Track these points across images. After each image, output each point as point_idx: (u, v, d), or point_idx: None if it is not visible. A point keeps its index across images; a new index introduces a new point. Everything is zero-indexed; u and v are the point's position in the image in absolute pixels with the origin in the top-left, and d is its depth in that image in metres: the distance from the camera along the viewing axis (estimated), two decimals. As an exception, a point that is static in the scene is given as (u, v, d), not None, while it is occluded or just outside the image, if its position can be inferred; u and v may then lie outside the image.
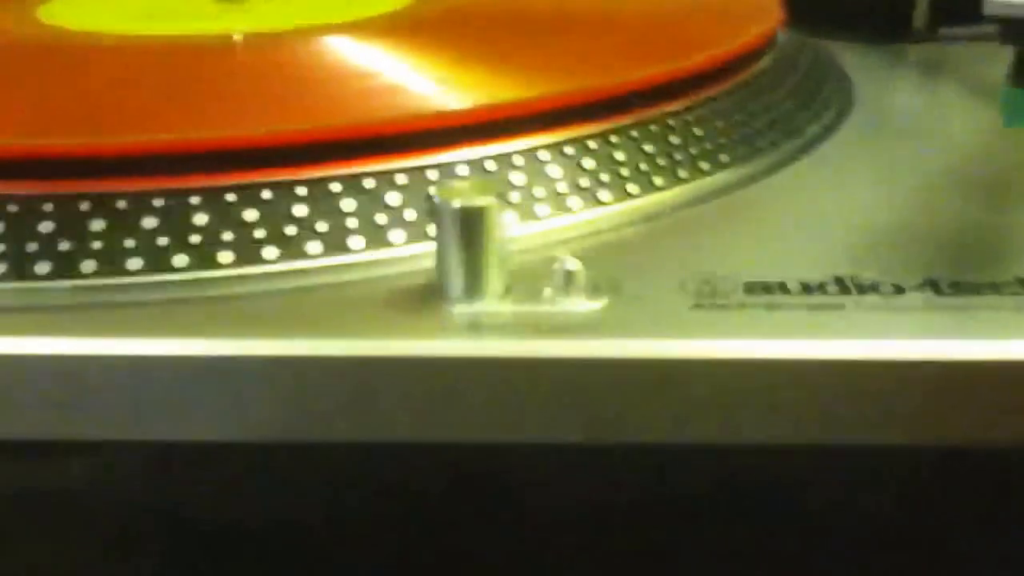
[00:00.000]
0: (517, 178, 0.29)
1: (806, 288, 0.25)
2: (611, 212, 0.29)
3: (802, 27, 0.44)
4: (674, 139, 0.32)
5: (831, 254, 0.27)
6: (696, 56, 0.35)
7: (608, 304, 0.25)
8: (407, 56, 0.35)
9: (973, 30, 0.46)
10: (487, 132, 0.29)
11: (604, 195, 0.30)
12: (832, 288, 0.25)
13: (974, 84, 0.41)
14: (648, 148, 0.31)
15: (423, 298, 0.25)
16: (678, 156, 0.32)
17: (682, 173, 0.31)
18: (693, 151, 0.32)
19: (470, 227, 0.24)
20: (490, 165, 0.29)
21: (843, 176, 0.33)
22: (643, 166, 0.31)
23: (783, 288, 0.25)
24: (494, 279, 0.25)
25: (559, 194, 0.29)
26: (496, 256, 0.24)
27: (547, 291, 0.25)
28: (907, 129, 0.38)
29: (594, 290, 0.25)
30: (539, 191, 0.29)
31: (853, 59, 0.43)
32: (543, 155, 0.30)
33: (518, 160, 0.29)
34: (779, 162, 0.34)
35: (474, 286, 0.25)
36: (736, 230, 0.29)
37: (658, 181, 0.31)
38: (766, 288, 0.25)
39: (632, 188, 0.30)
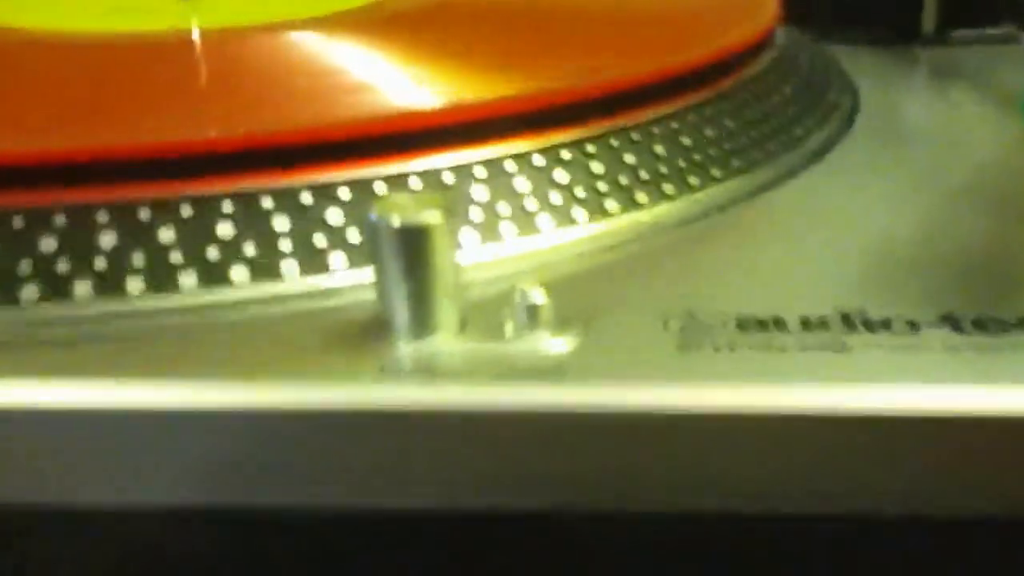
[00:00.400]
0: (479, 192, 0.25)
1: (806, 325, 0.21)
2: (586, 233, 0.26)
3: (802, 30, 0.40)
4: (659, 149, 0.28)
5: (836, 284, 0.23)
6: (683, 54, 0.31)
7: (579, 343, 0.21)
8: (355, 54, 0.31)
9: (986, 33, 0.43)
10: (444, 138, 0.26)
11: (578, 213, 0.26)
12: (836, 325, 0.21)
13: (990, 89, 0.38)
14: (629, 159, 0.28)
15: (365, 335, 0.22)
16: (663, 169, 0.28)
17: (668, 188, 0.28)
18: (680, 163, 0.28)
19: (413, 249, 0.20)
20: (447, 177, 0.25)
21: (849, 192, 0.29)
22: (623, 180, 0.27)
23: (780, 325, 0.21)
24: (446, 312, 0.21)
25: (526, 212, 0.26)
26: (447, 285, 0.21)
27: (509, 327, 0.21)
28: (919, 138, 0.34)
29: (563, 326, 0.21)
30: (503, 208, 0.25)
31: (858, 63, 0.40)
32: (509, 166, 0.26)
33: (480, 172, 0.26)
34: (777, 176, 0.30)
35: (422, 321, 0.21)
36: (728, 255, 0.25)
37: (640, 198, 0.27)
38: (761, 325, 0.22)
39: (611, 205, 0.27)
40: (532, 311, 0.21)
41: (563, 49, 0.33)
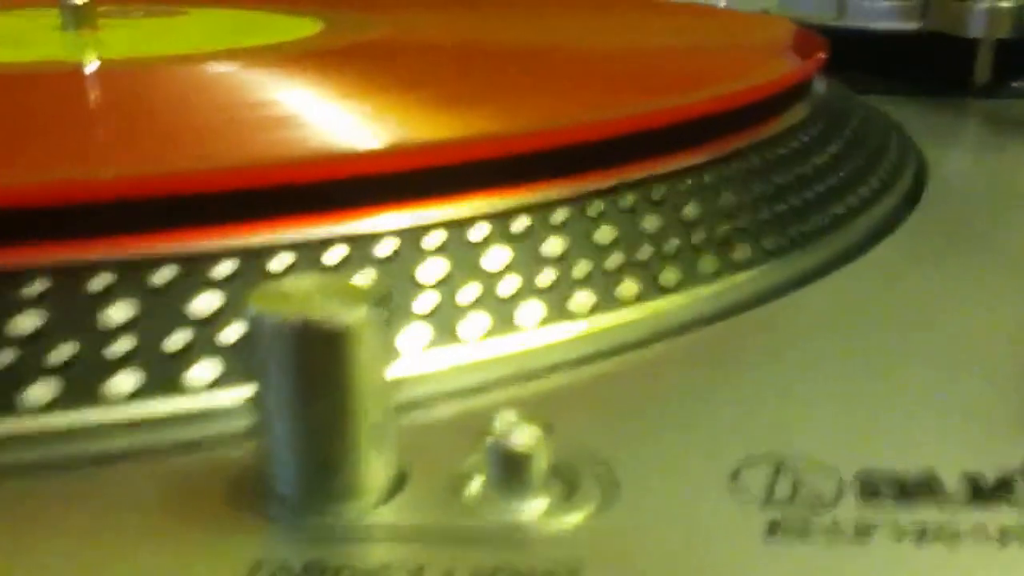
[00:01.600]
0: (431, 269, 0.17)
1: (978, 489, 0.13)
2: (587, 329, 0.17)
3: (846, 83, 0.33)
4: (689, 211, 0.20)
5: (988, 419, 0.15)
6: (695, 94, 0.23)
7: (595, 515, 0.12)
8: (261, 87, 0.23)
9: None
10: (375, 192, 0.17)
11: (579, 298, 0.18)
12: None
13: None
14: (650, 223, 0.19)
15: (234, 502, 0.13)
16: (696, 238, 0.20)
17: (704, 264, 0.19)
18: (718, 232, 0.20)
19: (316, 364, 0.12)
20: (382, 249, 0.17)
21: (939, 284, 0.21)
22: (644, 252, 0.19)
23: (937, 488, 0.13)
24: (367, 466, 0.12)
25: (501, 298, 0.17)
26: (370, 421, 0.12)
27: (474, 486, 0.13)
28: (1006, 209, 0.26)
29: (567, 487, 0.13)
30: (468, 292, 0.17)
31: (912, 119, 0.32)
32: (477, 231, 0.18)
33: (434, 238, 0.17)
34: (831, 258, 0.22)
35: (326, 481, 0.12)
36: (807, 364, 0.17)
37: (668, 277, 0.19)
38: (904, 487, 0.13)
39: (624, 290, 0.18)
40: (514, 462, 0.12)
41: (544, 87, 0.25)
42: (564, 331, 0.17)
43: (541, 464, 0.12)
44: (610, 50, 0.29)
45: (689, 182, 0.21)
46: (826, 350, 0.17)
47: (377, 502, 0.12)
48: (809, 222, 0.22)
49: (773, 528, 0.12)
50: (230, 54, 0.28)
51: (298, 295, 0.12)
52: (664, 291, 0.19)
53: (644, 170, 0.20)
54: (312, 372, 0.12)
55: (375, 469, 0.12)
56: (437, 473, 0.13)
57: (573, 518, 0.12)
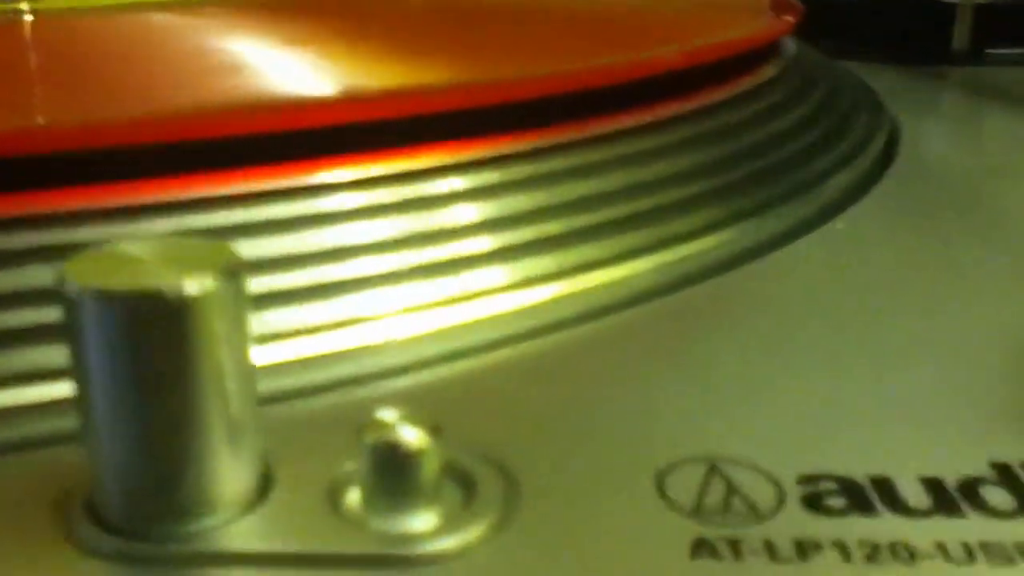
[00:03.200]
0: (318, 235, 0.15)
1: (941, 494, 0.11)
2: (511, 306, 0.15)
3: (822, 49, 0.31)
4: (618, 177, 0.18)
5: (952, 407, 0.13)
6: (658, 50, 0.21)
7: (493, 530, 0.11)
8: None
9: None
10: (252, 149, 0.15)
11: (496, 273, 0.16)
12: (1000, 491, 0.11)
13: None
14: (581, 189, 0.17)
15: (52, 516, 0.11)
16: (638, 204, 0.18)
17: (644, 235, 0.17)
18: (652, 202, 0.18)
19: (155, 347, 0.10)
20: (260, 214, 0.15)
21: (889, 262, 0.19)
22: (575, 220, 0.17)
23: (887, 492, 0.11)
24: (222, 473, 0.10)
25: (397, 271, 0.15)
26: (227, 416, 0.10)
27: (352, 496, 0.11)
28: (979, 179, 0.24)
29: (466, 499, 0.11)
30: (363, 263, 0.15)
31: (888, 85, 0.30)
32: (367, 197, 0.16)
33: (328, 202, 0.15)
34: (793, 225, 0.20)
35: (169, 492, 0.10)
36: (752, 346, 0.15)
37: (600, 250, 0.17)
38: (852, 492, 0.11)
39: (553, 261, 0.16)
40: (401, 466, 0.10)
41: (506, 42, 0.23)
42: (474, 309, 0.15)
43: (429, 470, 0.11)
44: (577, 8, 0.27)
45: (635, 145, 0.19)
46: (778, 333, 0.15)
47: (233, 519, 0.11)
48: (774, 187, 0.21)
49: (699, 546, 0.10)
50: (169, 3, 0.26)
51: (129, 262, 0.10)
52: (606, 263, 0.17)
53: (589, 128, 0.18)
54: (146, 357, 0.10)
55: (231, 479, 0.10)
56: (310, 480, 0.11)
57: (468, 534, 0.10)
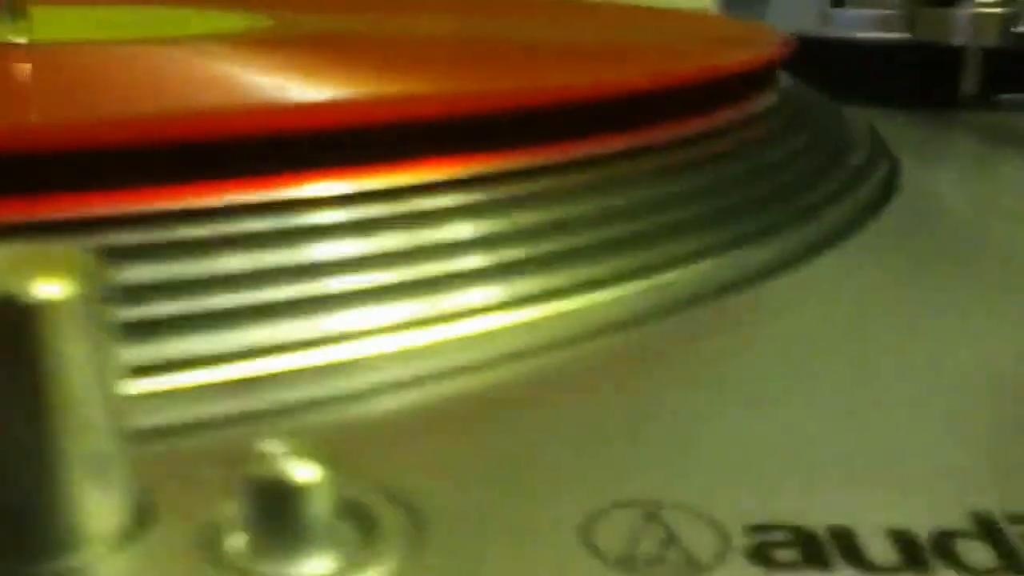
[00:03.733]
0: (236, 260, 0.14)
1: (910, 550, 0.10)
2: (443, 338, 0.14)
3: (828, 95, 0.30)
4: (592, 204, 0.17)
5: (928, 451, 0.12)
6: (642, 71, 0.20)
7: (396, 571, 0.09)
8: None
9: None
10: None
11: (434, 304, 0.14)
12: (980, 546, 0.10)
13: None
14: (549, 214, 0.16)
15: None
16: (609, 231, 0.17)
17: (610, 265, 0.16)
18: (632, 226, 0.17)
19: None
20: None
21: (868, 305, 0.17)
22: (534, 246, 0.16)
23: (850, 547, 0.10)
24: (82, 500, 0.09)
25: (339, 292, 0.14)
26: (85, 435, 0.09)
27: (237, 538, 0.10)
28: (977, 222, 0.23)
29: (363, 535, 0.10)
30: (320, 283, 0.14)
31: (892, 128, 0.29)
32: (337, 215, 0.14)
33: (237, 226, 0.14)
34: (777, 258, 0.19)
35: (24, 519, 0.09)
36: (710, 383, 0.14)
37: (563, 277, 0.15)
38: (808, 545, 0.10)
39: (495, 292, 0.15)
40: (284, 503, 0.09)
41: (500, 69, 0.22)
42: (407, 339, 0.14)
43: (319, 508, 0.09)
44: (569, 43, 0.27)
45: (613, 170, 0.18)
46: (738, 373, 0.14)
47: (98, 560, 0.09)
48: (752, 221, 0.19)
49: (621, 597, 0.09)
50: (166, 39, 0.26)
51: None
52: (576, 290, 0.16)
53: (566, 152, 0.17)
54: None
55: (94, 513, 0.09)
56: (192, 518, 0.10)
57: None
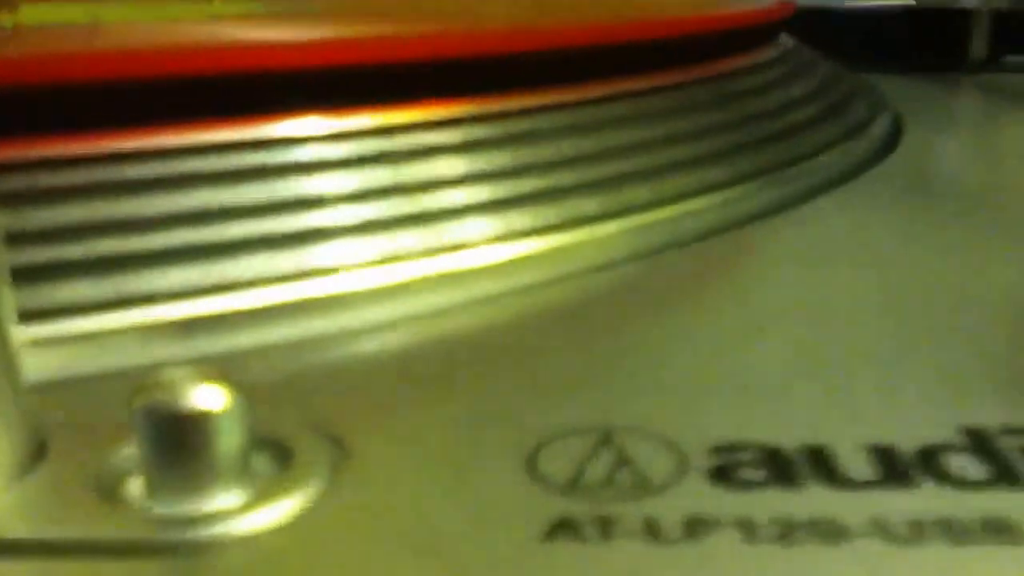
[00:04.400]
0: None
1: (898, 463, 0.09)
2: (423, 275, 0.13)
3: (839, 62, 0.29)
4: (601, 139, 0.16)
5: (907, 371, 0.11)
6: (650, 20, 0.19)
7: (303, 511, 0.08)
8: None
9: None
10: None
11: (416, 239, 0.13)
12: (965, 456, 0.09)
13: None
14: (546, 151, 0.15)
15: None
16: (602, 169, 0.16)
17: (605, 201, 0.15)
18: (627, 163, 0.16)
19: None
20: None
21: (885, 232, 0.16)
22: (528, 181, 0.15)
23: (825, 465, 0.09)
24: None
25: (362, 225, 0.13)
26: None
27: (135, 478, 0.09)
28: (974, 173, 0.22)
29: (277, 473, 0.09)
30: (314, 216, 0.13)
31: (898, 89, 0.28)
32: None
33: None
34: (773, 200, 0.18)
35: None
36: (689, 315, 0.13)
37: (554, 213, 0.14)
38: (778, 462, 0.09)
39: (483, 229, 0.14)
40: (181, 434, 0.08)
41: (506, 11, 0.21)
42: (435, 266, 0.13)
43: (228, 442, 0.08)
44: None
45: (629, 106, 0.17)
46: (732, 304, 0.13)
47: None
48: (751, 162, 0.18)
49: (560, 526, 0.08)
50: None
51: None
52: (553, 229, 0.15)
53: (575, 92, 0.16)
54: None
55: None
56: (88, 454, 0.09)
57: (274, 515, 0.08)
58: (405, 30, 0.17)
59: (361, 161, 0.13)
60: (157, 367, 0.09)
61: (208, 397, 0.08)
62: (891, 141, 0.23)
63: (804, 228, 0.16)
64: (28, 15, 0.28)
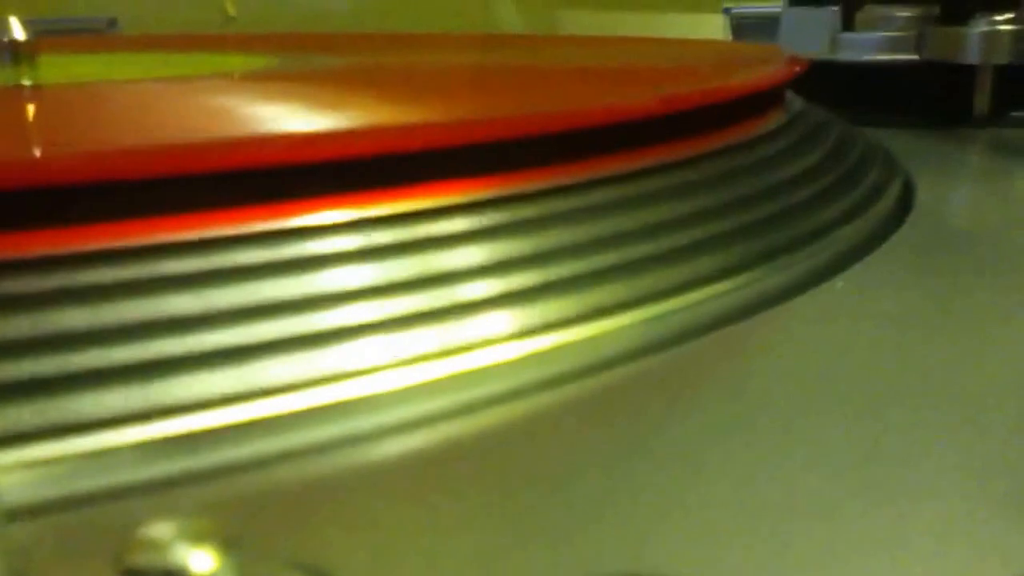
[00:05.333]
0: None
1: None
2: (401, 382, 0.13)
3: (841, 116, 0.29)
4: (598, 228, 0.15)
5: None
6: (649, 92, 0.19)
7: None
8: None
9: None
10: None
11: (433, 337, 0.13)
12: None
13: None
14: (535, 242, 0.15)
15: None
16: (600, 259, 0.15)
17: (601, 294, 0.14)
18: (627, 251, 0.15)
19: None
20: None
21: (885, 331, 0.16)
22: (520, 276, 0.14)
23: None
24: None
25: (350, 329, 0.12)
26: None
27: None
28: (997, 241, 0.21)
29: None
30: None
31: (904, 145, 0.28)
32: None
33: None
34: (791, 282, 0.17)
35: None
36: (712, 435, 0.12)
37: (550, 311, 0.14)
38: None
39: (502, 317, 0.13)
40: None
41: (516, 91, 0.21)
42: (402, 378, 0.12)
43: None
44: (575, 70, 0.25)
45: (623, 190, 0.16)
46: (749, 414, 0.12)
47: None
48: (764, 241, 0.18)
49: None
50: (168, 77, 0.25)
51: None
52: (574, 321, 0.14)
53: (564, 175, 0.16)
54: None
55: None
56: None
57: None
58: (409, 113, 0.17)
59: (375, 253, 0.13)
60: (151, 492, 0.08)
61: (196, 560, 0.08)
62: (904, 204, 0.23)
63: (829, 313, 0.16)
64: (46, 71, 0.27)
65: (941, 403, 0.12)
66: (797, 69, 0.24)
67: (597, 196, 0.16)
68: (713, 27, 0.59)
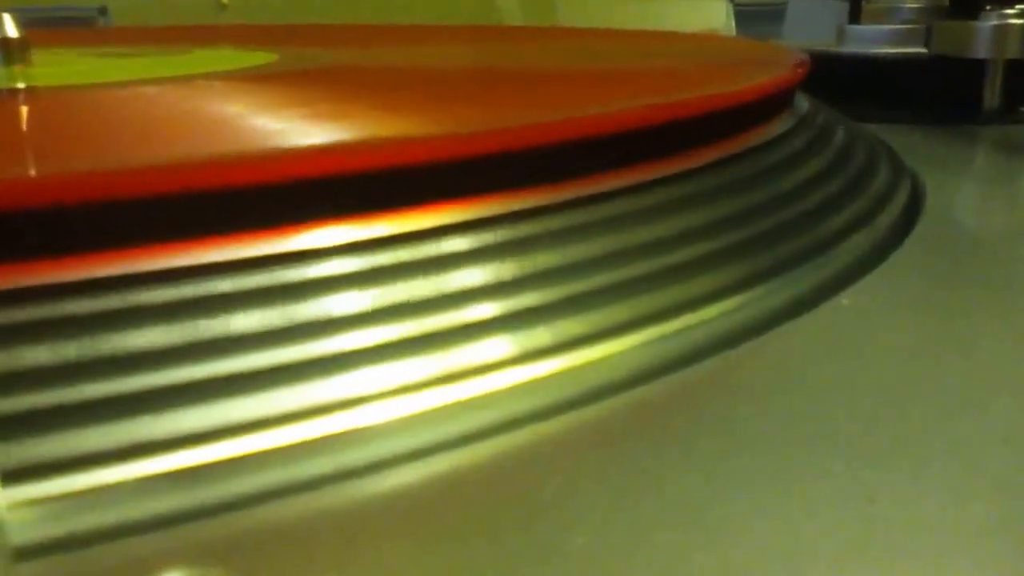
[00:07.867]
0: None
1: None
2: (404, 410, 0.12)
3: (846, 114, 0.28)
4: (605, 243, 0.15)
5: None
6: (651, 103, 0.18)
7: None
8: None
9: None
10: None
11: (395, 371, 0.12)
12: None
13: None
14: (540, 260, 0.14)
15: None
16: (608, 275, 0.15)
17: (610, 314, 0.14)
18: (639, 265, 0.15)
19: None
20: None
21: (905, 344, 0.15)
22: (529, 295, 0.14)
23: None
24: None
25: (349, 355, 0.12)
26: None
27: None
28: (1009, 244, 0.21)
29: None
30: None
31: (911, 143, 0.27)
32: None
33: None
34: (806, 294, 0.17)
35: None
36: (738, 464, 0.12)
37: (552, 333, 0.14)
38: None
39: (504, 341, 0.13)
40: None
41: (506, 99, 0.20)
42: (406, 405, 0.12)
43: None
44: (575, 70, 0.25)
45: (621, 202, 0.16)
46: (773, 433, 0.12)
47: None
48: (772, 254, 0.17)
49: None
50: (160, 79, 0.25)
51: None
52: (599, 336, 0.14)
53: (569, 190, 0.15)
54: None
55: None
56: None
57: None
58: (408, 125, 0.16)
59: (366, 277, 0.12)
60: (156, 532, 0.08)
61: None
62: (912, 209, 0.23)
63: (831, 339, 0.15)
64: (40, 71, 0.27)
65: (939, 452, 0.12)
66: (804, 71, 0.24)
67: (582, 216, 0.15)
68: (717, 15, 0.59)
